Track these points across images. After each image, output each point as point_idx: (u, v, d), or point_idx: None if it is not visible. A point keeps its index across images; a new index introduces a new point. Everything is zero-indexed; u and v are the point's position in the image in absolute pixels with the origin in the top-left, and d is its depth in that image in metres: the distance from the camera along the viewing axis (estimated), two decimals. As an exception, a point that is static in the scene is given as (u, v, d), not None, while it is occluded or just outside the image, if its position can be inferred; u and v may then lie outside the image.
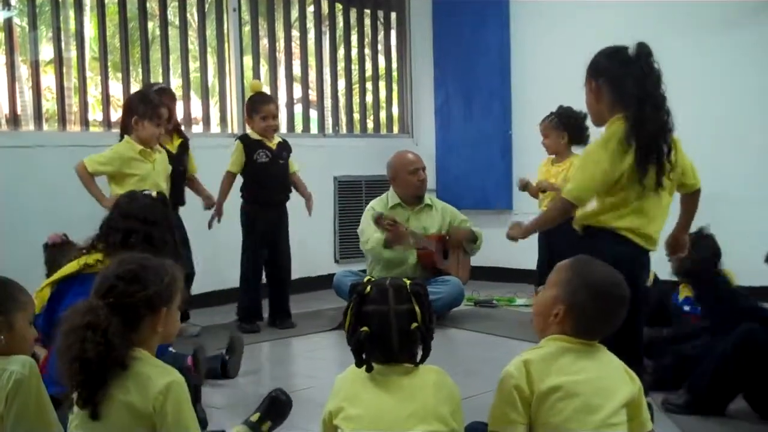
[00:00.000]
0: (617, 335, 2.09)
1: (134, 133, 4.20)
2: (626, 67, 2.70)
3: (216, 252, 5.20)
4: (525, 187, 5.05)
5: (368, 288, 2.01)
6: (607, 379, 1.99)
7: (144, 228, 2.92)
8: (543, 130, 4.87)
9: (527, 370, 1.97)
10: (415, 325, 1.98)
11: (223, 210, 4.89)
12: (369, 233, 5.04)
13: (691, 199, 2.96)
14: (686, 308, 3.78)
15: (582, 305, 2.04)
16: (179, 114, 5.86)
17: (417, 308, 1.99)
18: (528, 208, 5.29)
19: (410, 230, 5.02)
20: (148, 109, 4.17)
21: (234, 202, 4.95)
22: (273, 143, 4.93)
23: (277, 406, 2.83)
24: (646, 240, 2.74)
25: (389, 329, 1.96)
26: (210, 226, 4.84)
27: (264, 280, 5.04)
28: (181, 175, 4.70)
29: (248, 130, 4.98)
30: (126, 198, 3.13)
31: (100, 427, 1.88)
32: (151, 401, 1.86)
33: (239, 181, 4.96)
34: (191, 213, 4.81)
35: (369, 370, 1.95)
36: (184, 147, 4.80)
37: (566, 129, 4.75)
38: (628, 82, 2.68)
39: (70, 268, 2.94)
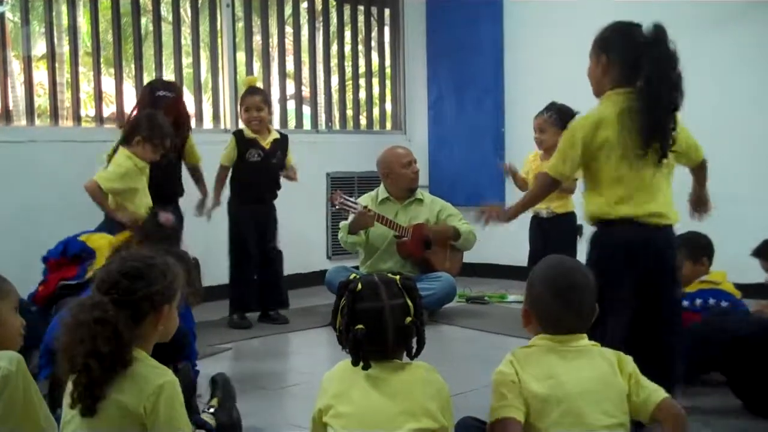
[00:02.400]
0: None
1: (131, 149, 4.17)
2: (644, 48, 2.70)
3: (206, 248, 5.20)
4: (514, 174, 5.07)
5: (359, 285, 2.01)
6: (594, 380, 1.98)
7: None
8: (540, 124, 4.81)
9: (516, 369, 2.00)
10: (409, 319, 1.99)
11: (214, 206, 4.91)
12: (342, 224, 5.19)
13: (698, 170, 3.03)
14: (685, 303, 3.79)
15: (539, 298, 2.10)
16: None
17: (409, 302, 2.01)
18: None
19: (373, 211, 5.04)
20: (155, 136, 4.16)
21: (223, 197, 4.96)
22: (267, 141, 4.92)
23: (215, 384, 2.93)
24: (658, 217, 2.73)
25: (385, 325, 1.97)
26: (207, 215, 4.88)
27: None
28: (172, 166, 4.67)
29: (245, 128, 5.00)
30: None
31: (93, 424, 1.88)
32: (143, 401, 1.86)
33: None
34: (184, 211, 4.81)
35: (366, 367, 1.95)
36: (179, 139, 4.70)
37: (564, 127, 4.74)
38: (643, 62, 2.68)
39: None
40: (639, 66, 2.68)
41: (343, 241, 5.23)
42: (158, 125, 4.22)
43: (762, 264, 3.61)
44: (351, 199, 5.12)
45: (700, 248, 3.76)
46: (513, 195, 6.04)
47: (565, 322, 2.06)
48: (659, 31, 2.72)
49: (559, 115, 4.75)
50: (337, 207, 5.12)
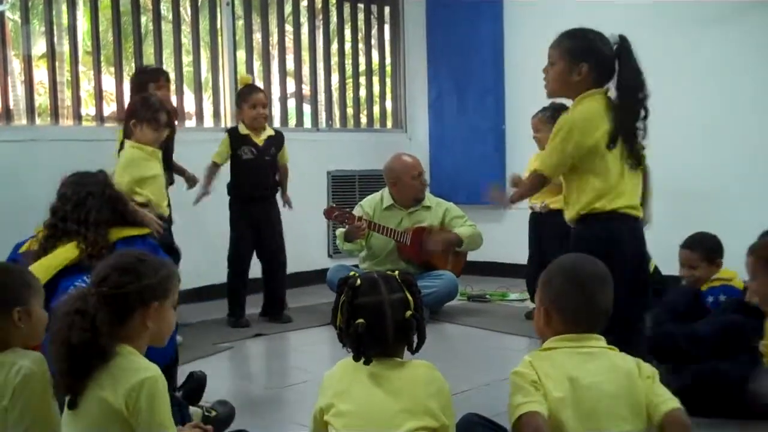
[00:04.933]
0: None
1: (133, 137, 4.16)
2: (619, 56, 2.79)
3: (204, 247, 5.20)
4: (516, 184, 5.08)
5: (358, 281, 2.02)
6: (612, 384, 1.97)
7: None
8: (536, 124, 4.87)
9: (536, 370, 1.97)
10: (409, 313, 1.99)
11: (211, 203, 4.91)
12: (338, 231, 5.19)
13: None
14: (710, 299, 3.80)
15: (561, 293, 2.07)
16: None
17: (409, 296, 2.01)
18: (521, 203, 5.28)
19: (371, 221, 5.05)
20: (148, 113, 4.13)
21: (223, 197, 4.96)
22: (260, 138, 4.92)
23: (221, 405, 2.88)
24: (637, 210, 2.83)
25: (384, 319, 1.97)
26: (196, 202, 4.85)
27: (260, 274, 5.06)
28: (168, 159, 4.68)
29: (239, 124, 4.99)
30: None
31: (78, 419, 1.89)
32: (123, 398, 1.85)
33: (226, 176, 4.99)
34: (179, 209, 4.81)
35: (368, 362, 1.95)
36: (172, 133, 4.72)
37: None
38: (624, 71, 2.77)
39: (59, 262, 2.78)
40: (612, 73, 2.79)
41: (341, 248, 5.26)
42: (149, 103, 4.18)
43: None
44: (346, 211, 5.08)
45: (716, 249, 3.77)
46: (512, 192, 6.05)
47: (586, 315, 2.05)
48: (625, 41, 2.81)
49: (553, 114, 4.76)
50: (331, 222, 5.12)
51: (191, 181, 4.87)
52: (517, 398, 1.95)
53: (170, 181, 4.78)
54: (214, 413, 2.79)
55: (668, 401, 1.98)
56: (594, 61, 2.80)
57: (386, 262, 5.15)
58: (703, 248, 3.77)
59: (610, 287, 2.09)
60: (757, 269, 3.05)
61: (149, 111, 4.09)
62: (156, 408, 1.87)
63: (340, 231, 5.20)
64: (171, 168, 4.73)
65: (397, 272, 2.07)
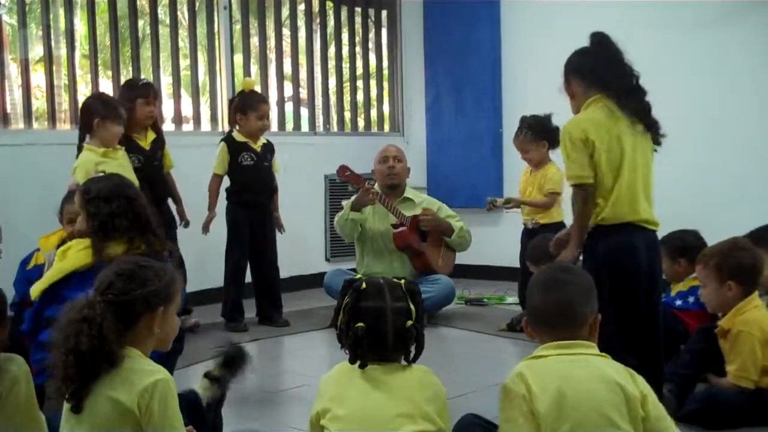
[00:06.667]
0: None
1: (96, 135, 4.17)
2: (591, 55, 2.91)
3: (202, 251, 5.20)
4: (494, 205, 5.13)
5: (364, 284, 2.02)
6: (603, 389, 1.95)
7: (126, 204, 2.78)
8: (520, 145, 4.93)
9: (526, 384, 1.95)
10: (410, 323, 2.00)
11: (211, 218, 4.93)
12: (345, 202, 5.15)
13: None
14: (678, 303, 3.79)
15: (534, 303, 2.11)
16: (170, 112, 5.90)
17: (412, 306, 2.02)
18: (515, 213, 5.31)
19: (378, 191, 5.05)
20: (110, 110, 4.15)
21: (221, 202, 4.97)
22: (258, 145, 4.94)
23: (227, 355, 2.83)
24: (648, 221, 2.87)
25: (385, 326, 1.98)
26: (205, 230, 4.91)
27: (250, 279, 5.06)
28: (156, 170, 4.68)
29: (235, 130, 4.97)
30: (89, 183, 2.98)
31: (84, 421, 1.90)
32: (136, 398, 1.88)
33: (226, 181, 5.00)
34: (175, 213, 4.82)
35: (363, 366, 1.96)
36: (159, 143, 4.73)
37: (544, 137, 4.80)
38: (599, 67, 2.88)
39: (63, 269, 2.78)
40: (597, 71, 2.89)
41: (343, 218, 5.07)
42: (105, 98, 4.21)
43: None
44: (358, 174, 5.07)
45: (697, 248, 3.77)
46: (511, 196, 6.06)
47: (561, 324, 2.04)
48: (597, 36, 2.91)
49: (533, 130, 4.83)
50: (342, 179, 5.09)
51: (183, 218, 4.88)
52: (504, 421, 1.96)
53: (165, 196, 4.80)
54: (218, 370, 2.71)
55: (670, 428, 1.98)
56: (577, 73, 2.93)
57: (382, 251, 5.14)
58: (674, 247, 3.79)
59: (573, 290, 2.07)
60: (706, 277, 3.14)
61: (110, 108, 4.12)
62: (168, 409, 1.91)
63: (347, 202, 5.11)
64: (163, 181, 4.71)
65: (402, 281, 2.08)
